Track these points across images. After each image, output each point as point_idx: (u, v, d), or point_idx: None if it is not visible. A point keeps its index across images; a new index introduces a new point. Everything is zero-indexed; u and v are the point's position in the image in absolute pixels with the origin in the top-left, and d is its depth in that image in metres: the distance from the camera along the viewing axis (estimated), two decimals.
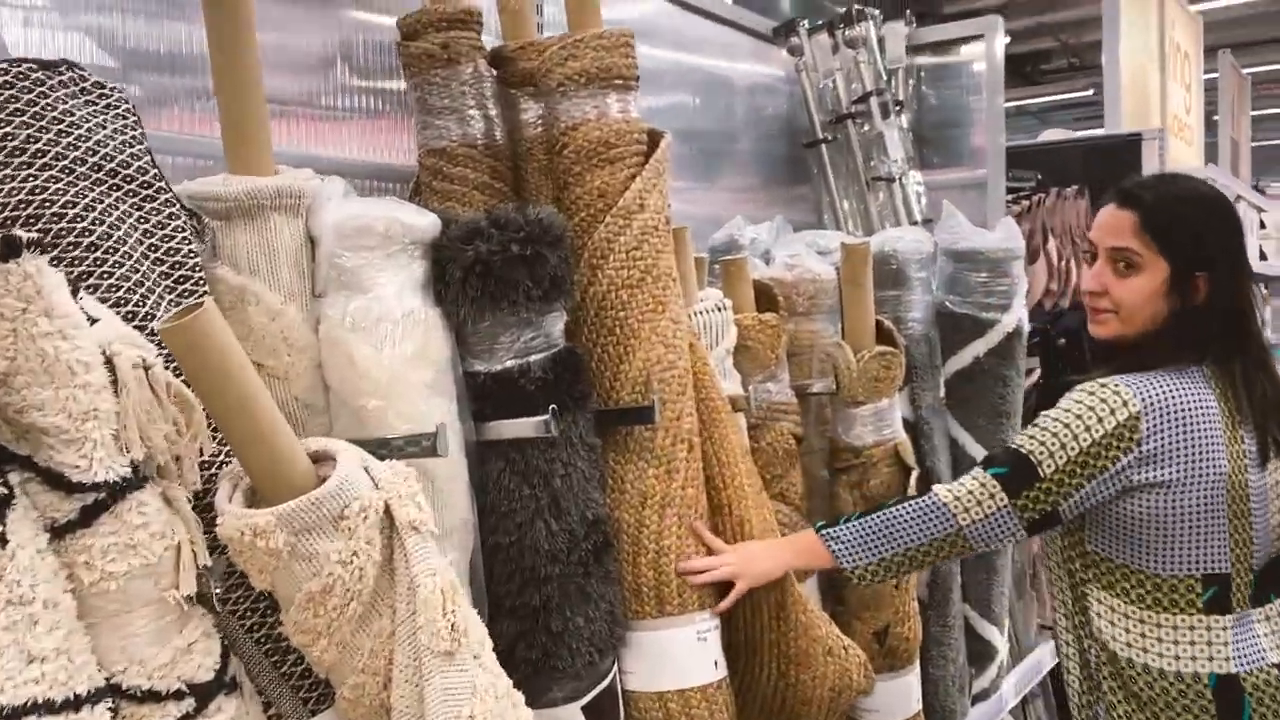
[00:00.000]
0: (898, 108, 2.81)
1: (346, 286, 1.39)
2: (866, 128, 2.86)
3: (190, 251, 1.28)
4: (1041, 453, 1.61)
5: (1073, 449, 1.59)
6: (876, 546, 1.68)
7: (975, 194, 2.93)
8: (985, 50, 2.94)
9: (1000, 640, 2.47)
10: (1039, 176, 3.34)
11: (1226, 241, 1.67)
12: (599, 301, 1.67)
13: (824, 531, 1.72)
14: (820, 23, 2.88)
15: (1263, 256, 6.53)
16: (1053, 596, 1.80)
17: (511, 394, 1.49)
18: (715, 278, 2.15)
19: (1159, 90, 7.18)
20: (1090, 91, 13.54)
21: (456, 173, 1.71)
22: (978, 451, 2.38)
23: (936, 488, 1.69)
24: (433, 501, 1.40)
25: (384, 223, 1.40)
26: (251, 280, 1.37)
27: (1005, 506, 1.62)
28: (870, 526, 1.69)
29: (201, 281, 1.29)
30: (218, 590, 1.12)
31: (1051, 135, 5.75)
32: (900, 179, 2.80)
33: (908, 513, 1.68)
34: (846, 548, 1.70)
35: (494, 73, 1.77)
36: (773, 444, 2.02)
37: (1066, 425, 1.61)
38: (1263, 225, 6.88)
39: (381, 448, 1.31)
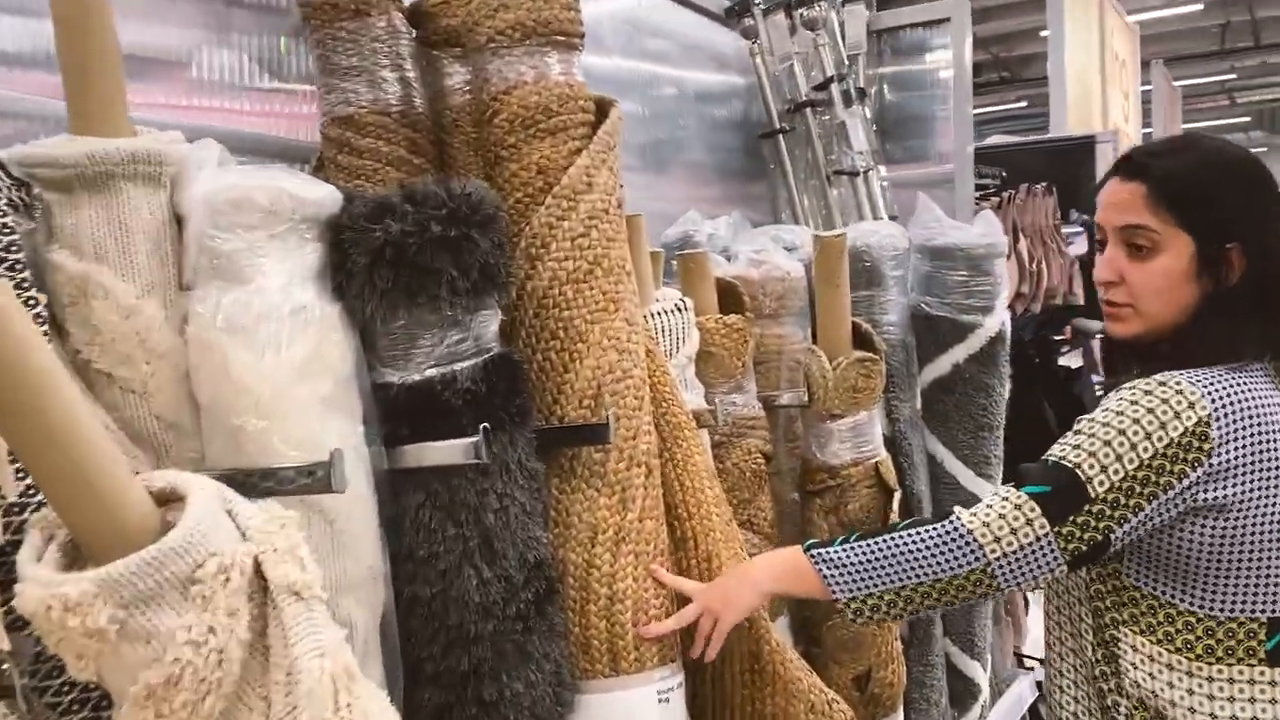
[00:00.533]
0: (860, 95, 2.59)
1: (221, 276, 1.10)
2: (827, 117, 2.64)
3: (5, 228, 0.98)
4: (1092, 467, 1.28)
5: (1130, 461, 1.27)
6: (880, 576, 1.34)
7: (942, 191, 2.71)
8: (952, 37, 2.73)
9: (983, 677, 2.24)
10: (1003, 173, 3.14)
11: (1259, 202, 1.37)
12: (539, 298, 1.39)
13: (814, 552, 1.39)
14: (777, 2, 2.64)
15: None
16: (1057, 634, 1.50)
17: (433, 411, 1.21)
18: (671, 278, 1.89)
19: (1100, 98, 7.12)
20: (1023, 104, 13.65)
21: (366, 145, 1.43)
22: (958, 469, 2.15)
23: (959, 511, 1.33)
24: (330, 548, 1.12)
25: (268, 195, 1.12)
26: (98, 268, 1.07)
27: (1046, 535, 1.28)
28: (873, 552, 1.35)
29: (20, 267, 0.99)
30: (27, 679, 0.82)
31: (998, 140, 5.62)
32: (865, 173, 2.58)
33: (922, 540, 1.33)
34: (842, 573, 1.36)
35: (413, 32, 1.50)
36: (739, 464, 1.77)
37: (1122, 432, 1.28)
38: None
39: (265, 480, 1.02)
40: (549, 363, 1.40)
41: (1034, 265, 2.76)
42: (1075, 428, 1.34)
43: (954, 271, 2.11)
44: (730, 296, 1.82)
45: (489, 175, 1.45)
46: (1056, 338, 3.68)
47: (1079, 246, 3.51)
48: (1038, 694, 2.62)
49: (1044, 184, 2.96)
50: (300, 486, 0.99)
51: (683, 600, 1.42)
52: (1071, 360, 3.88)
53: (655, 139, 2.46)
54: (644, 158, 2.42)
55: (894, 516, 1.81)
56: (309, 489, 1.00)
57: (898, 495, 1.83)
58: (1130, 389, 1.32)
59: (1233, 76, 13.53)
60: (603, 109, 1.47)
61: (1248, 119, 16.30)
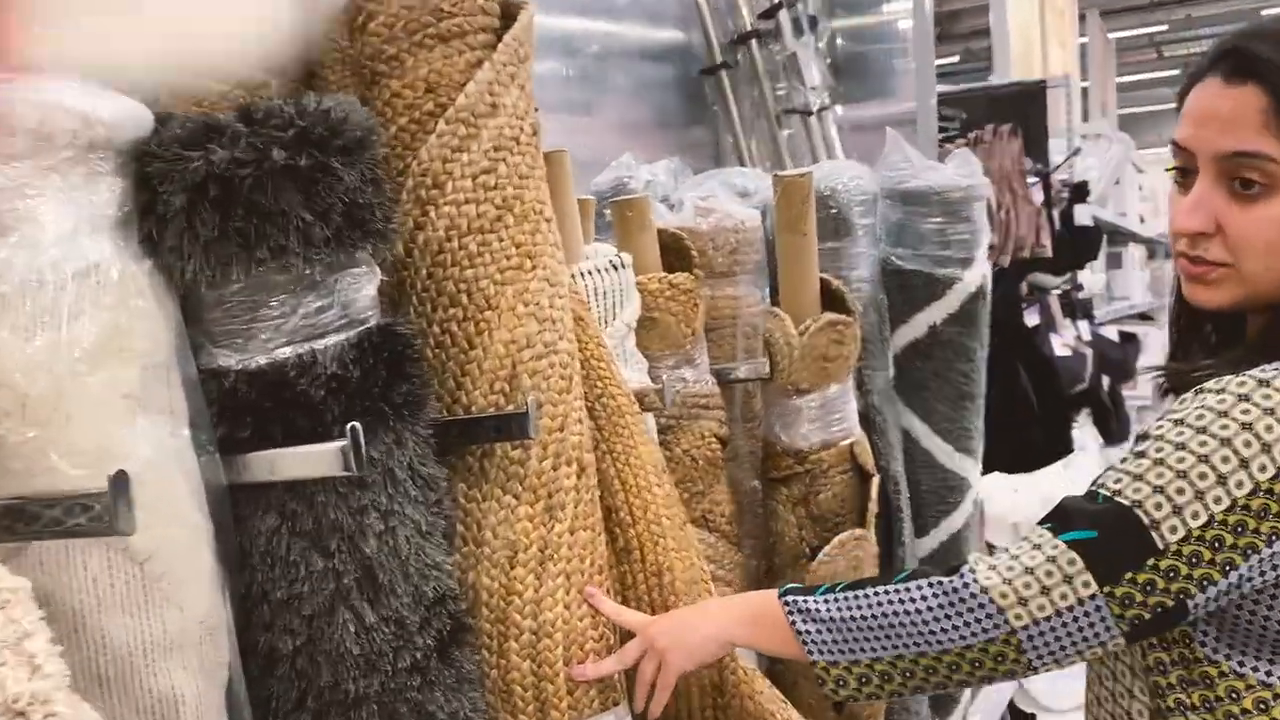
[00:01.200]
0: (813, 24, 2.30)
1: None
2: (775, 48, 2.34)
3: None
4: (1159, 506, 0.93)
5: (1218, 501, 0.91)
6: (871, 640, 1.00)
7: (902, 132, 2.44)
8: None
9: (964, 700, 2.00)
10: (964, 115, 2.88)
11: None
12: (434, 253, 1.09)
13: (790, 600, 1.05)
14: None
15: (1141, 220, 6.33)
16: (1096, 711, 1.11)
17: (286, 404, 0.89)
18: (605, 233, 1.59)
19: (1040, 49, 6.94)
20: (955, 59, 13.48)
21: None
22: (936, 445, 1.89)
23: (974, 562, 0.99)
24: (142, 599, 0.81)
25: (39, 111, 0.80)
26: None
27: (1093, 598, 0.93)
28: (864, 607, 1.01)
29: None
30: None
31: (943, 89, 5.38)
32: (819, 111, 2.29)
33: (925, 598, 0.98)
34: (823, 631, 1.02)
35: None
36: (691, 452, 1.48)
37: (1205, 459, 0.92)
38: (1140, 188, 6.70)
39: (20, 522, 0.70)
40: (449, 336, 1.09)
41: (1002, 214, 2.51)
42: (1135, 447, 0.98)
43: (928, 218, 1.83)
44: (675, 252, 1.52)
45: (364, 98, 1.12)
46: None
47: (1035, 197, 3.27)
48: None
49: (1009, 125, 2.70)
50: (67, 528, 0.67)
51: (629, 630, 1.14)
52: (1029, 318, 3.66)
53: (576, 75, 2.14)
54: (563, 97, 2.11)
55: (872, 506, 1.54)
56: (80, 530, 0.68)
57: (876, 480, 1.56)
58: (1217, 393, 0.95)
59: (1164, 28, 13.50)
60: (509, 12, 1.16)
61: (1175, 72, 16.36)
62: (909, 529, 1.82)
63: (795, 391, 1.51)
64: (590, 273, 1.33)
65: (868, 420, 1.76)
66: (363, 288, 0.95)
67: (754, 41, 2.34)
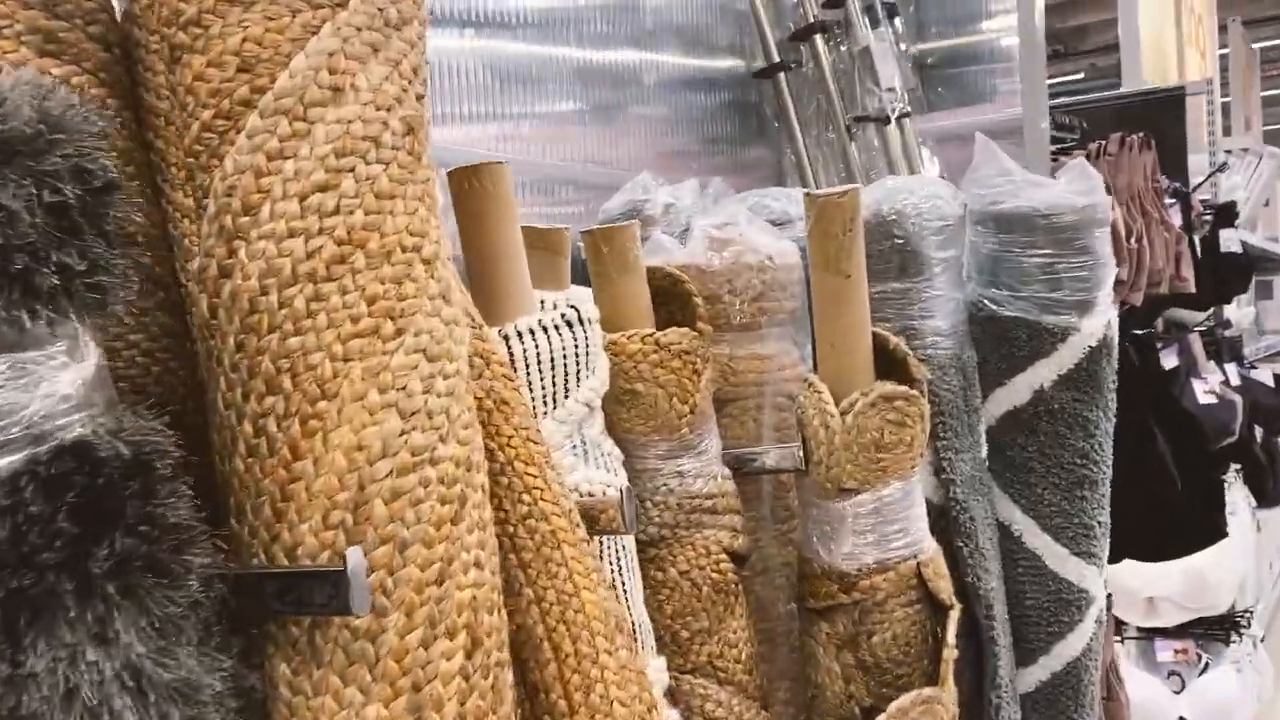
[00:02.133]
0: (890, 12, 1.88)
1: None
2: (845, 46, 1.93)
3: None
4: None
5: None
6: None
7: (1005, 145, 2.00)
8: None
9: None
10: (1084, 124, 2.41)
11: None
12: (243, 314, 0.72)
13: None
14: None
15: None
16: None
17: None
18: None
19: (1176, 57, 6.32)
20: (1080, 75, 12.75)
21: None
22: (1043, 546, 1.44)
23: None
24: None
25: None
26: None
27: None
28: None
29: None
30: None
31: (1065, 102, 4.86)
32: (897, 119, 1.87)
33: None
34: None
35: None
36: (691, 574, 1.08)
37: None
38: None
39: None
40: (264, 440, 0.72)
41: (1133, 241, 2.03)
42: None
43: (1033, 249, 1.39)
44: (675, 299, 1.13)
45: (169, 88, 0.77)
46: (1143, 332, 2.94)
47: (1173, 220, 2.76)
48: None
49: (1140, 134, 2.22)
50: None
51: None
52: (1166, 360, 3.13)
53: (601, 80, 1.77)
54: (585, 108, 1.74)
55: (949, 652, 1.11)
56: None
57: (956, 613, 1.13)
58: None
59: None
60: None
61: None
62: (1007, 662, 1.38)
63: (837, 492, 1.10)
64: (531, 332, 0.94)
65: (947, 520, 1.33)
66: (44, 383, 0.58)
67: (818, 36, 1.93)
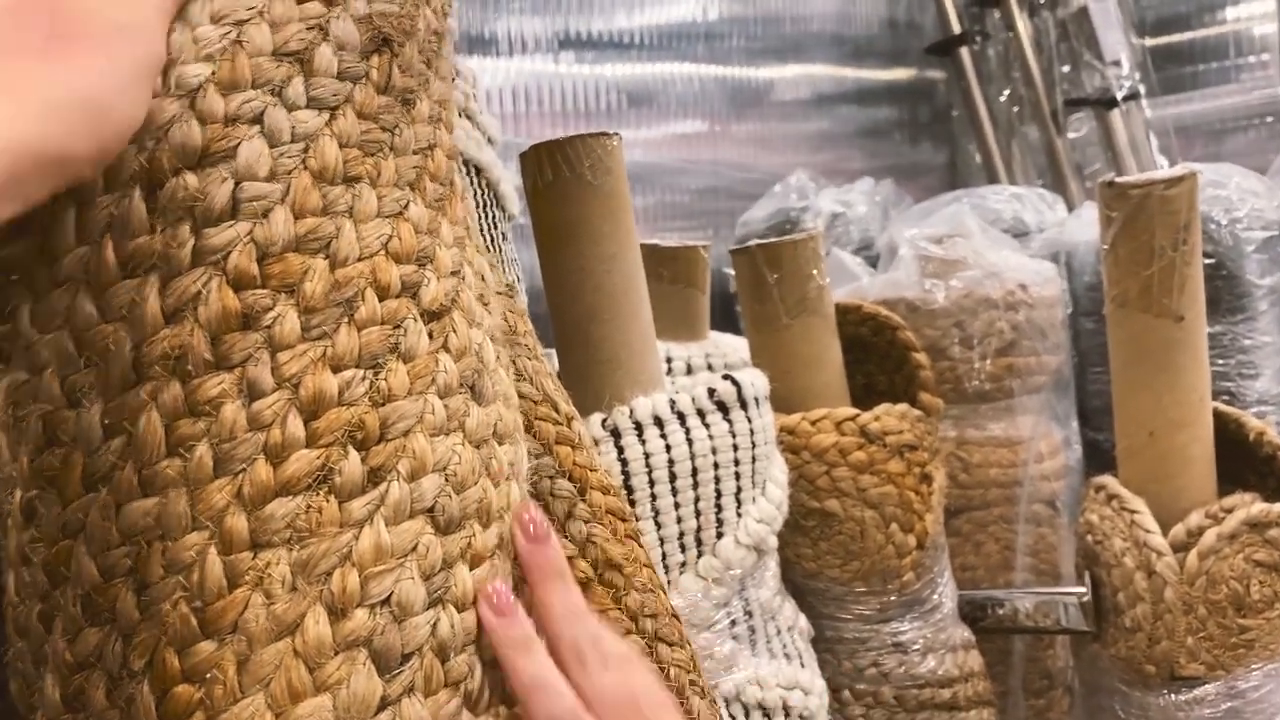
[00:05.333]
0: None
1: None
2: (1048, 13, 1.48)
3: None
4: None
5: None
6: None
7: (1264, 134, 1.54)
8: None
9: None
10: None
11: None
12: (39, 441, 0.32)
13: None
14: None
15: None
16: None
17: None
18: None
19: None
20: None
21: None
22: None
23: None
24: None
25: None
26: None
27: None
28: None
29: None
30: None
31: None
32: (1124, 100, 1.41)
33: None
34: None
35: None
36: None
37: None
38: None
39: None
40: None
41: None
42: None
43: None
44: (877, 352, 0.71)
45: None
46: None
47: None
48: None
49: None
50: None
51: None
52: None
53: (734, 61, 1.38)
54: (711, 98, 1.36)
55: None
56: None
57: None
58: None
59: None
60: None
61: None
62: None
63: (1166, 679, 0.65)
64: (657, 423, 0.53)
65: None
66: None
67: (1013, 1, 1.49)
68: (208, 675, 0.31)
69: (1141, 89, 1.47)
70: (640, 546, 0.47)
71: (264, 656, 0.31)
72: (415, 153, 0.35)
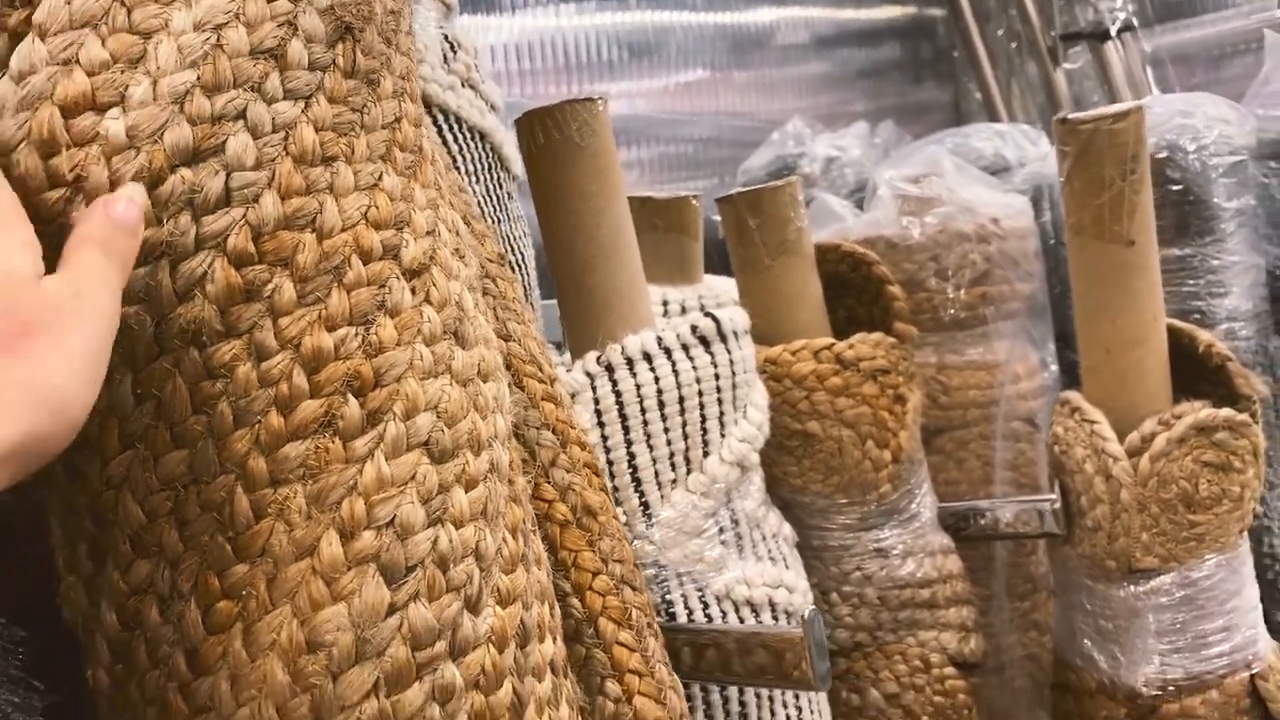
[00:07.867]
0: None
1: None
2: None
3: None
4: None
5: None
6: None
7: (1264, 59, 1.55)
8: None
9: None
10: None
11: None
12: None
13: None
14: None
15: None
16: None
17: None
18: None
19: None
20: None
21: None
22: None
23: None
24: None
25: None
26: None
27: None
28: None
29: None
30: None
31: None
32: (1118, 33, 1.44)
33: None
34: None
35: None
36: (901, 700, 0.72)
37: None
38: None
39: None
40: (140, 650, 0.39)
41: None
42: None
43: None
44: (856, 287, 0.77)
45: None
46: None
47: None
48: None
49: None
50: None
51: None
52: None
53: (733, 6, 1.42)
54: (712, 46, 1.40)
55: None
56: None
57: None
58: None
59: None
60: None
61: None
62: None
63: (1125, 572, 0.72)
64: (647, 358, 0.60)
65: (1262, 584, 0.93)
66: None
67: None
68: (243, 592, 0.38)
69: (1136, 21, 1.49)
70: (609, 499, 0.54)
71: (288, 574, 0.38)
72: (383, 128, 0.41)
